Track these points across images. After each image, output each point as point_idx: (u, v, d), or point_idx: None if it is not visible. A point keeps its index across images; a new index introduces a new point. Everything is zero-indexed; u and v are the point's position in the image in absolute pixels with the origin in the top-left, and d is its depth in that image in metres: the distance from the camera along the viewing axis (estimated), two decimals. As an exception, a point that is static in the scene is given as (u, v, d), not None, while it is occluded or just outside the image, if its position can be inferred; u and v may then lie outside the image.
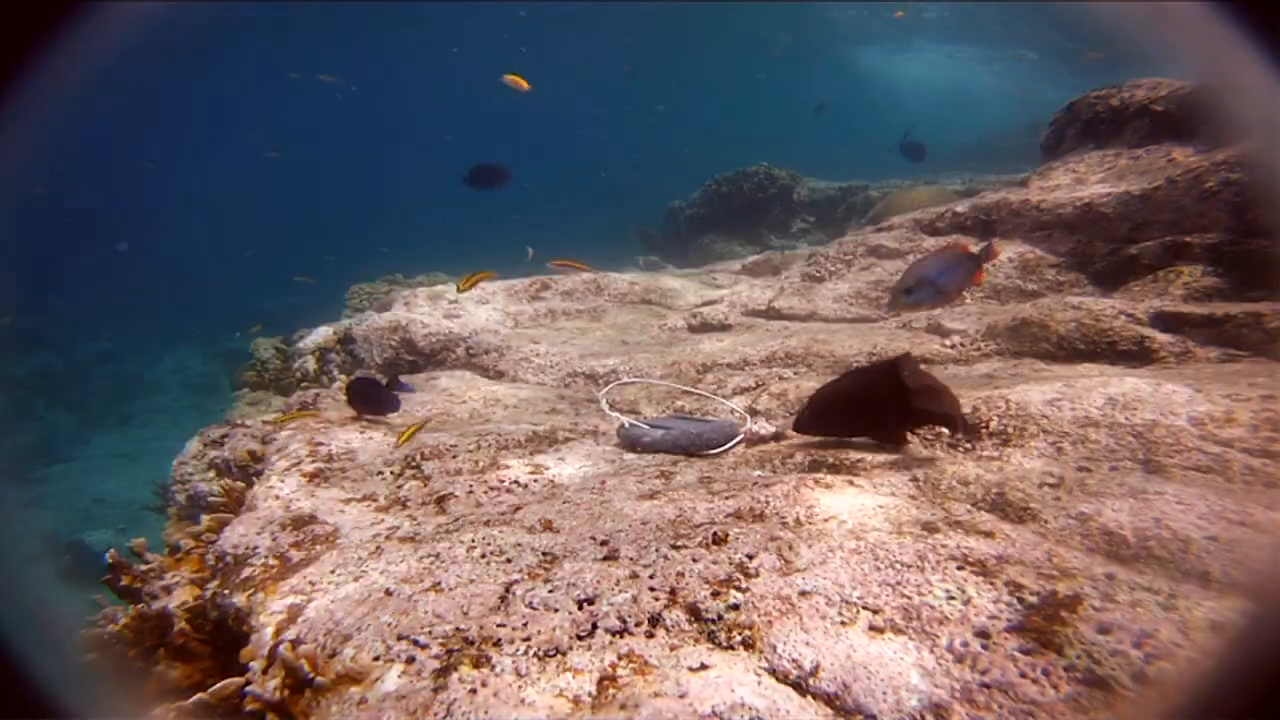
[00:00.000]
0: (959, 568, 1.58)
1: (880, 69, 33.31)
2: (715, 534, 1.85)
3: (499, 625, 1.57)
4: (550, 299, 6.08)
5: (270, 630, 1.75)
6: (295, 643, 1.61)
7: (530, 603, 1.63)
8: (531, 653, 1.49)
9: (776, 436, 2.85)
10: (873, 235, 5.49)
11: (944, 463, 2.36)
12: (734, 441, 2.85)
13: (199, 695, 1.72)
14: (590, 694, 1.38)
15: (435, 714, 1.34)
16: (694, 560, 1.73)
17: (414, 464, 2.76)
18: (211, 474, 3.89)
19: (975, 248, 3.02)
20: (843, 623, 1.47)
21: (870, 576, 1.59)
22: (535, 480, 2.55)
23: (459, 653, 1.50)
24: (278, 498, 2.55)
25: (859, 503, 2.03)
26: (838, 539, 1.79)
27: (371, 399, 3.44)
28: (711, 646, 1.48)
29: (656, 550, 1.81)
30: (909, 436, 2.57)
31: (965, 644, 1.36)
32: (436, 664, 1.48)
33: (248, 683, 1.61)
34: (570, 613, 1.59)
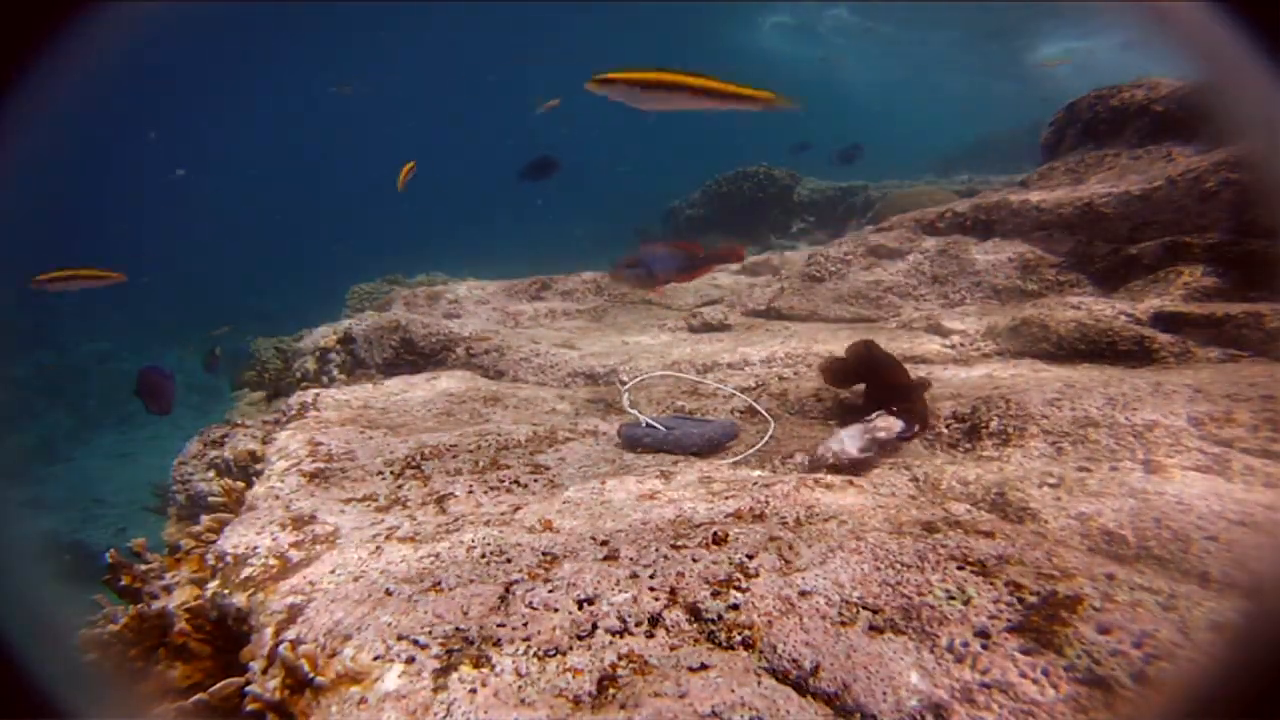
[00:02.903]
0: (959, 568, 1.58)
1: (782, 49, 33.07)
2: (715, 534, 1.85)
3: (499, 625, 1.57)
4: (550, 299, 6.09)
5: (270, 630, 1.75)
6: (295, 643, 1.61)
7: (530, 603, 1.63)
8: (531, 653, 1.49)
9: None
10: (873, 235, 5.48)
11: (944, 463, 2.36)
12: (749, 442, 2.85)
13: (199, 695, 1.71)
14: (590, 694, 1.38)
15: (435, 714, 1.34)
16: (694, 560, 1.73)
17: (414, 464, 2.76)
18: (211, 474, 3.89)
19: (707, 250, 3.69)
20: (843, 623, 1.47)
21: (870, 576, 1.59)
22: (535, 480, 2.55)
23: (459, 653, 1.50)
24: (278, 498, 2.55)
25: (859, 503, 2.03)
26: (838, 539, 1.79)
27: (158, 390, 3.46)
28: (711, 646, 1.48)
29: (656, 550, 1.81)
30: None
31: (965, 644, 1.36)
32: (436, 664, 1.48)
33: (248, 682, 1.61)
34: (570, 613, 1.59)
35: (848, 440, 2.40)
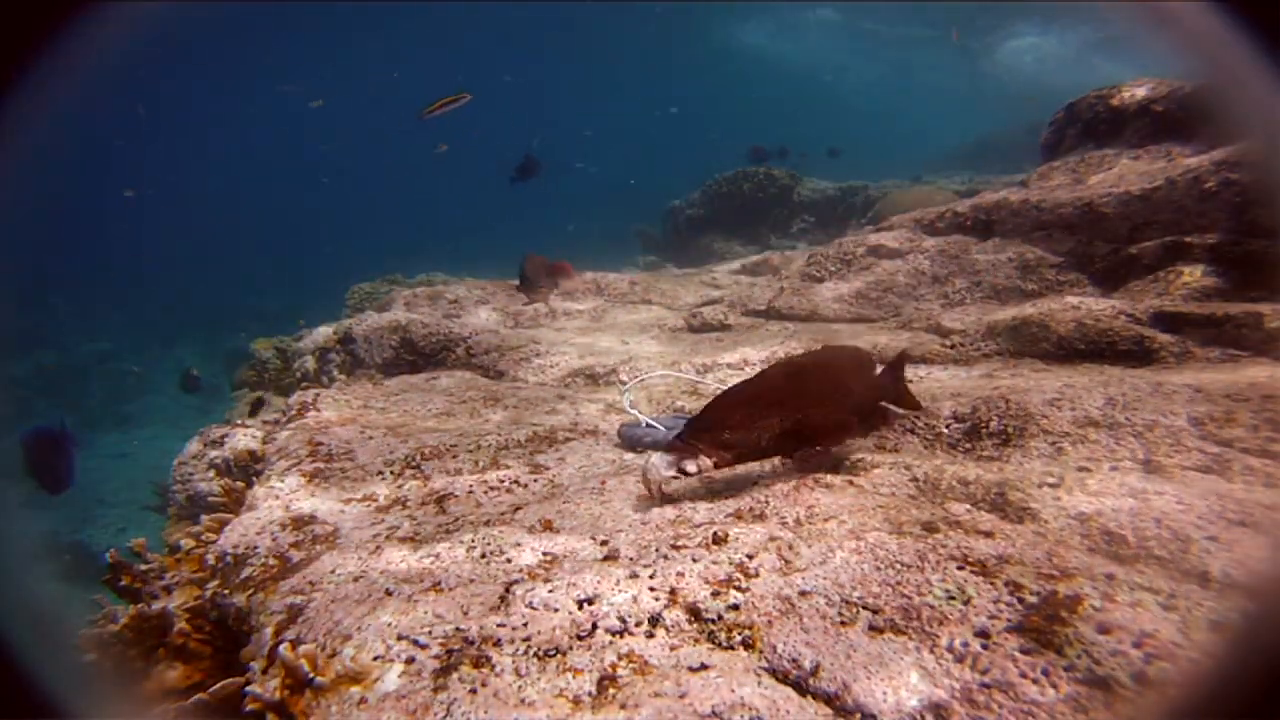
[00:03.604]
0: (959, 568, 1.58)
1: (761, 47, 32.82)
2: (715, 534, 1.85)
3: (499, 625, 1.57)
4: (550, 299, 6.08)
5: (270, 630, 1.75)
6: (295, 643, 1.61)
7: (530, 603, 1.63)
8: (531, 653, 1.49)
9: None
10: (873, 235, 5.48)
11: (944, 463, 2.36)
12: None
13: (199, 695, 1.72)
14: (590, 694, 1.38)
15: (435, 714, 1.34)
16: (694, 560, 1.73)
17: (414, 464, 2.76)
18: (211, 474, 3.89)
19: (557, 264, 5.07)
20: (843, 623, 1.47)
21: (870, 576, 1.59)
22: (535, 480, 2.55)
23: (459, 653, 1.50)
24: (278, 498, 2.55)
25: (859, 503, 2.03)
26: (838, 539, 1.79)
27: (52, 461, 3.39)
28: (711, 646, 1.48)
29: (656, 550, 1.81)
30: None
31: (965, 644, 1.36)
32: (436, 664, 1.48)
33: (248, 683, 1.61)
34: (570, 613, 1.59)
35: (662, 464, 2.10)
